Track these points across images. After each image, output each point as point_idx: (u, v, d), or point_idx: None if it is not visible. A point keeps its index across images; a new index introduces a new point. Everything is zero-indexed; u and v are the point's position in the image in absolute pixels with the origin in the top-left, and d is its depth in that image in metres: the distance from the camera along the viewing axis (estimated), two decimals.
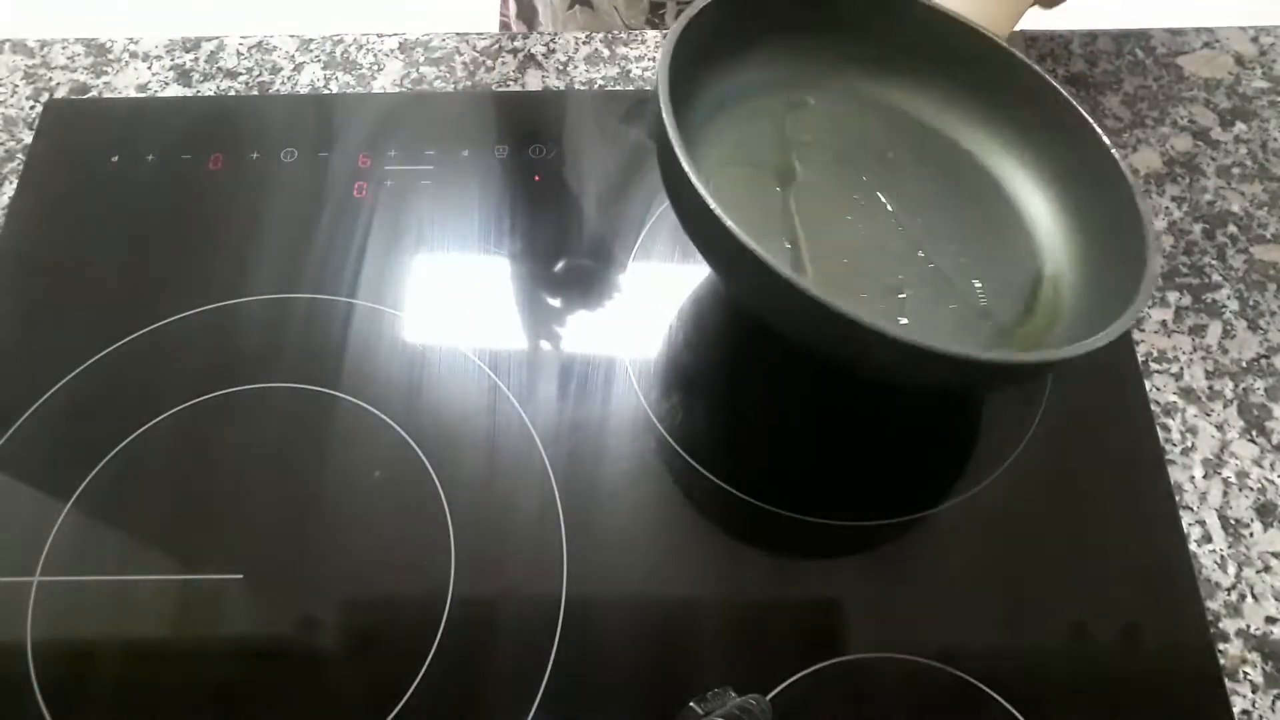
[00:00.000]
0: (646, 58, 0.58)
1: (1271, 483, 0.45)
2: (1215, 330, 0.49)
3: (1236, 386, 0.48)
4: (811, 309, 0.36)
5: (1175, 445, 0.46)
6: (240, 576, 0.43)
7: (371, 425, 0.47)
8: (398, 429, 0.46)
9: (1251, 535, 0.44)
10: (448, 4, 1.19)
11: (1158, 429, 0.46)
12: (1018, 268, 0.47)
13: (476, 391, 0.47)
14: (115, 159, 0.54)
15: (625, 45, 0.58)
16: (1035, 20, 0.59)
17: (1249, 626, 0.42)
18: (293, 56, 0.59)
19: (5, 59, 0.58)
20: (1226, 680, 0.41)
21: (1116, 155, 0.45)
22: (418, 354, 0.49)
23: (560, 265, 0.51)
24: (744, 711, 0.36)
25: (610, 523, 0.44)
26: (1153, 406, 0.47)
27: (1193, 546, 0.44)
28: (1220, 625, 0.42)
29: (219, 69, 0.58)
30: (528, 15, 0.77)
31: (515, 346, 0.49)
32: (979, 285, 0.46)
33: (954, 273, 0.46)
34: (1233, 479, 0.46)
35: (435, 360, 0.48)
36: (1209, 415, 0.47)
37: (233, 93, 0.57)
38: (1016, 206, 0.49)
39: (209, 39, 0.59)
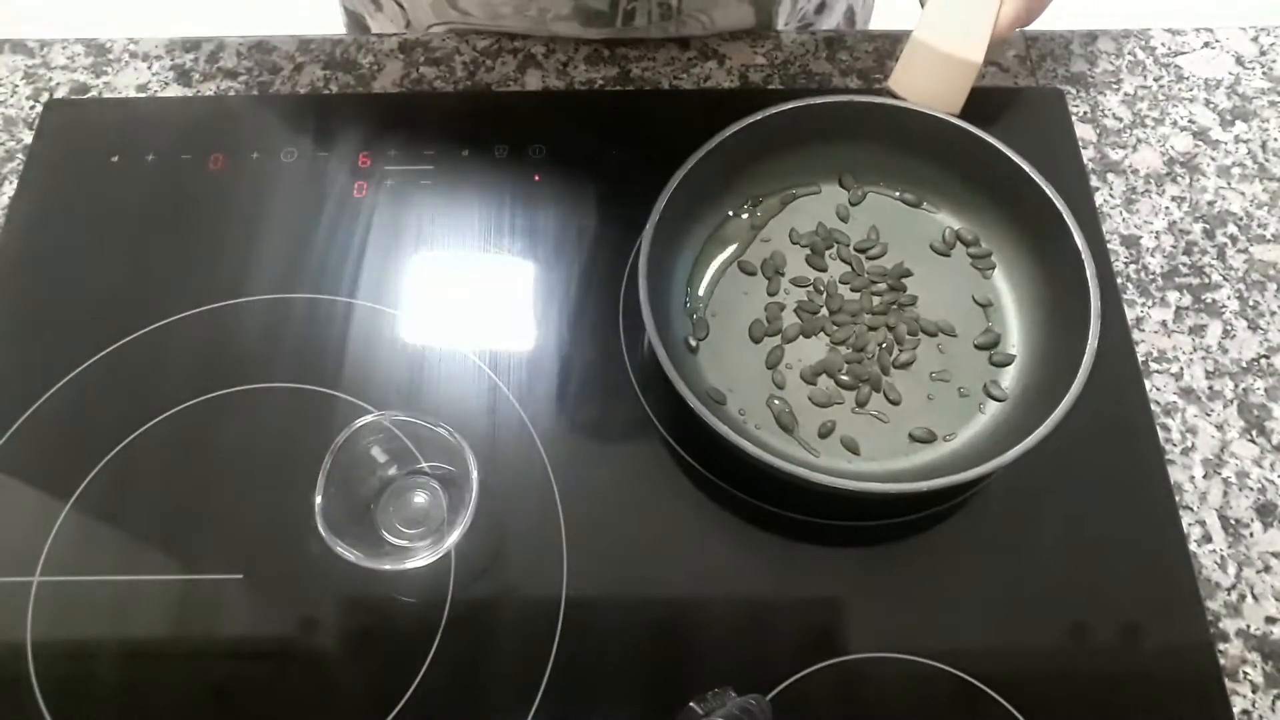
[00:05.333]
0: (646, 57, 0.58)
1: (1271, 483, 0.45)
2: (1215, 330, 0.49)
3: (1236, 386, 0.48)
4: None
5: (1175, 445, 0.46)
6: (240, 576, 0.43)
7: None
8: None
9: (1251, 535, 0.44)
10: None
11: (1158, 429, 0.46)
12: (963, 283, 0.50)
13: (476, 391, 0.47)
14: (115, 159, 0.54)
15: (625, 45, 0.58)
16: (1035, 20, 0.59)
17: (1249, 626, 0.42)
18: (293, 56, 0.59)
19: (5, 59, 0.58)
20: (1226, 680, 0.41)
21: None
22: (418, 354, 0.49)
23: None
24: (744, 711, 0.36)
25: (610, 523, 0.44)
26: (1153, 406, 0.47)
27: (1193, 546, 0.44)
28: (1220, 625, 0.42)
29: (219, 69, 0.58)
30: None
31: (515, 346, 0.49)
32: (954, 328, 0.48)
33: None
34: (1233, 479, 0.46)
35: (435, 360, 0.48)
36: (1209, 415, 0.47)
37: (233, 93, 0.57)
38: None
39: (209, 39, 0.59)
